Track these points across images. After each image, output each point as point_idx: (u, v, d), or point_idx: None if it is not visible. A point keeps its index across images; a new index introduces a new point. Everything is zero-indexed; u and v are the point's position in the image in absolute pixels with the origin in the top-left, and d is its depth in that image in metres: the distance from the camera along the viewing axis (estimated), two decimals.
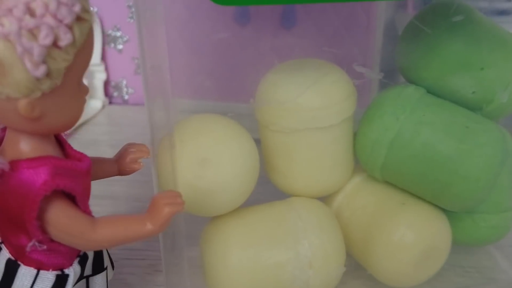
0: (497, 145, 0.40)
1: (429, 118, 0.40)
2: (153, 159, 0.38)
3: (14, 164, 0.29)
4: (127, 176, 0.40)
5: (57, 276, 0.33)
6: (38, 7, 0.26)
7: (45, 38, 0.26)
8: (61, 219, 0.30)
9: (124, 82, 0.83)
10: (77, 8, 0.27)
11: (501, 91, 0.41)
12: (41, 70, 0.26)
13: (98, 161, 0.37)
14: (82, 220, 0.30)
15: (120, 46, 0.81)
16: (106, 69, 0.82)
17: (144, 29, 0.34)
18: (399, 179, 0.43)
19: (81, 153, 0.33)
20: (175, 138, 0.38)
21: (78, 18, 0.27)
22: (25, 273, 0.32)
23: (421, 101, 0.41)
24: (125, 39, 0.81)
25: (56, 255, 0.32)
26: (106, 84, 0.83)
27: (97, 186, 0.36)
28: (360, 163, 0.44)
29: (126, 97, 0.84)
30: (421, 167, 0.40)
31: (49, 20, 0.26)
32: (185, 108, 0.60)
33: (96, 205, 0.35)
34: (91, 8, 0.31)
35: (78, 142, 0.73)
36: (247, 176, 0.40)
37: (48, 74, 0.27)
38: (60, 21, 0.26)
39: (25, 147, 0.30)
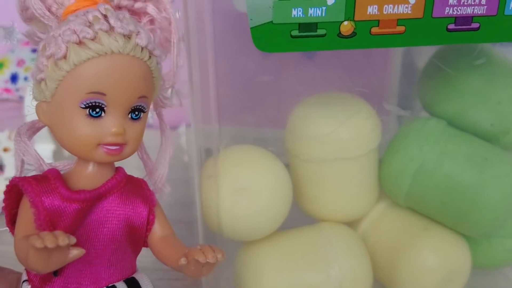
0: None
1: (451, 149, 0.43)
2: (198, 185, 0.40)
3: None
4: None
5: None
6: (56, 29, 0.32)
7: (48, 51, 0.32)
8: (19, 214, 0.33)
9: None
10: (82, 34, 0.31)
11: None
12: (39, 75, 0.32)
13: (168, 245, 0.36)
14: (22, 226, 0.32)
15: None
16: None
17: (193, 57, 0.37)
18: (422, 206, 0.45)
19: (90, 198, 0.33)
20: (214, 168, 0.41)
21: (80, 43, 0.31)
22: None
23: (444, 133, 0.44)
24: None
25: None
26: None
27: None
28: (384, 190, 0.47)
29: (151, 121, 0.87)
30: (443, 195, 0.43)
31: (58, 38, 0.31)
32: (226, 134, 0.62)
33: None
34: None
35: None
36: (282, 204, 0.43)
37: (44, 82, 0.32)
38: (63, 39, 0.31)
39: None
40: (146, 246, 0.37)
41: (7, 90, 0.89)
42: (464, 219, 0.44)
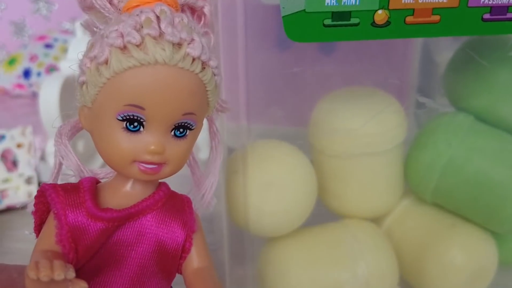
0: None
1: (480, 144, 0.42)
2: (222, 182, 0.40)
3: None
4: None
5: None
6: (106, 27, 0.30)
7: (92, 52, 0.29)
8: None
9: None
10: (127, 38, 0.28)
11: None
12: (81, 77, 0.30)
13: (199, 281, 0.33)
14: (43, 238, 0.30)
15: None
16: None
17: (223, 54, 0.37)
18: (450, 202, 0.44)
19: (115, 217, 0.30)
20: (240, 163, 0.40)
21: (123, 48, 0.28)
22: None
23: (472, 128, 0.43)
24: None
25: None
26: None
27: None
28: (410, 185, 0.46)
29: None
30: (472, 191, 0.42)
31: (104, 39, 0.29)
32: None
33: None
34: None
35: None
36: (307, 199, 0.42)
37: (86, 85, 0.30)
38: (107, 42, 0.29)
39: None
40: (180, 273, 0.33)
41: (20, 86, 0.89)
42: (494, 216, 0.43)
